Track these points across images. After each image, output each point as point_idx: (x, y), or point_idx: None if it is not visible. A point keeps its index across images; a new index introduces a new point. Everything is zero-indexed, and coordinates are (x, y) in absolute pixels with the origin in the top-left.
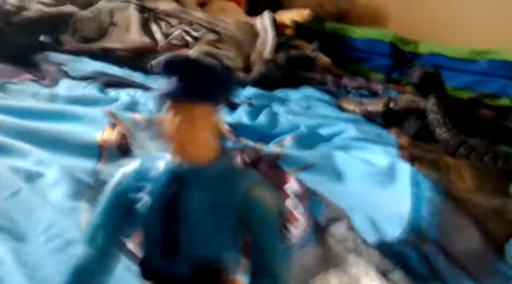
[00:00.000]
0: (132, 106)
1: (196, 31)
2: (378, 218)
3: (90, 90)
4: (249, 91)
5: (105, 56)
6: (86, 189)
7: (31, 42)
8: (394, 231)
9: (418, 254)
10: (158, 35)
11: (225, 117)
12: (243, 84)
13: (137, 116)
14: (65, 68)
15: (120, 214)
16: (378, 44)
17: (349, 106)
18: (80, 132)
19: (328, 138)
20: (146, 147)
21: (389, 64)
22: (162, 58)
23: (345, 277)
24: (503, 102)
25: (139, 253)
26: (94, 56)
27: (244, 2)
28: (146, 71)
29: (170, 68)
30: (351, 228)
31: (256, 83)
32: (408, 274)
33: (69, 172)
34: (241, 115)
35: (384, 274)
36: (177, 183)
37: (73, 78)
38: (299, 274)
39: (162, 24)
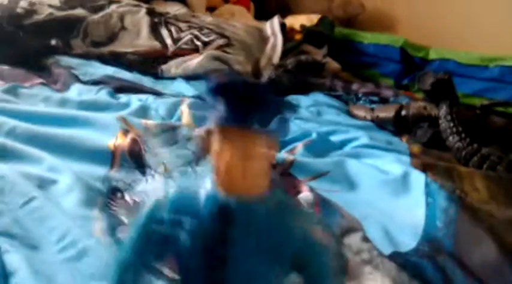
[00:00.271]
0: (143, 112)
1: (206, 36)
2: (392, 228)
3: (102, 95)
4: None
5: (115, 60)
6: (98, 196)
7: (42, 46)
8: (408, 242)
9: (433, 266)
10: (168, 40)
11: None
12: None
13: (149, 122)
14: (75, 72)
15: (151, 253)
16: (388, 49)
17: (360, 113)
18: (92, 138)
19: (340, 145)
20: (158, 154)
21: (399, 70)
22: (211, 80)
23: None
24: None
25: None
26: (104, 60)
27: (252, 7)
28: (156, 76)
29: (219, 91)
30: (366, 239)
31: None
32: None
33: (81, 179)
34: None
35: None
36: (223, 220)
37: (84, 82)
38: None
39: (172, 28)
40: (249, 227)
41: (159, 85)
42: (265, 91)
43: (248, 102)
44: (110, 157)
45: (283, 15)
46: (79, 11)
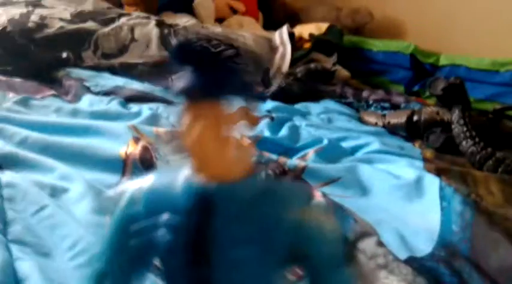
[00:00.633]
0: (154, 121)
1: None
2: (407, 233)
3: (113, 105)
4: (269, 104)
5: (126, 71)
6: (110, 203)
7: (53, 59)
8: (424, 246)
9: (450, 271)
10: None
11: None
12: (262, 98)
13: (160, 130)
14: (87, 84)
15: (129, 255)
16: (398, 56)
17: (371, 119)
18: (103, 147)
19: (352, 151)
20: (170, 162)
21: (410, 76)
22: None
23: None
24: None
25: None
26: (115, 71)
27: (261, 17)
28: (167, 86)
29: (183, 56)
30: (381, 244)
31: (275, 97)
32: None
33: (93, 187)
34: (262, 129)
35: None
36: (204, 210)
37: (95, 93)
38: None
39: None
40: (232, 214)
41: (170, 95)
42: (237, 58)
43: (221, 68)
44: (121, 165)
45: (292, 25)
46: (90, 24)
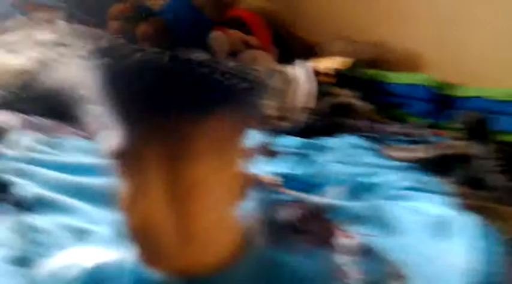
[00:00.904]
0: None
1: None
2: (436, 274)
3: None
4: (288, 140)
5: None
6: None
7: (72, 97)
8: None
9: None
10: None
11: (265, 167)
12: (281, 133)
13: None
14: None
15: None
16: (417, 88)
17: (394, 153)
18: None
19: (376, 188)
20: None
21: (430, 109)
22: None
23: None
24: None
25: None
26: None
27: (275, 51)
28: None
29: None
30: None
31: (295, 132)
32: None
33: (119, 229)
34: (282, 165)
35: None
36: None
37: None
38: None
39: None
40: None
41: None
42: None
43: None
44: None
45: (307, 58)
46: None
